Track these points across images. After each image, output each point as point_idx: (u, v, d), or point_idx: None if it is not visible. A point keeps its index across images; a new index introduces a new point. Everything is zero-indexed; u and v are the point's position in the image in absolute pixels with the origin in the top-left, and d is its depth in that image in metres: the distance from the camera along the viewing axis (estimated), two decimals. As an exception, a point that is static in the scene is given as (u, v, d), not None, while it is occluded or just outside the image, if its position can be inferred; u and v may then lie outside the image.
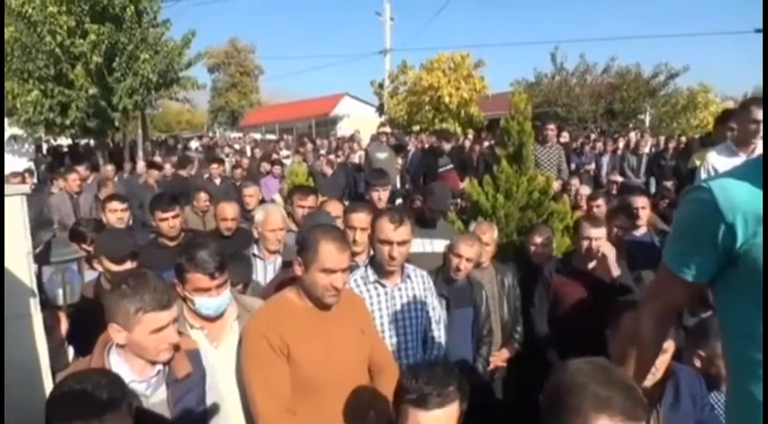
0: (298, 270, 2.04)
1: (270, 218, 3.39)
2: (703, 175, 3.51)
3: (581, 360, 1.24)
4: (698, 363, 2.26)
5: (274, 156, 10.89)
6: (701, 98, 19.49)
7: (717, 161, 3.42)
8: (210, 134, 26.58)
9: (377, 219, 2.55)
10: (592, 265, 3.27)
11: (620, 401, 1.13)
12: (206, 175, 8.08)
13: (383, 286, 2.58)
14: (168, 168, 8.94)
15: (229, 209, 4.12)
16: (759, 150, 3.22)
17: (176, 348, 1.82)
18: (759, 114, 3.13)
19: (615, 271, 3.14)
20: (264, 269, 3.41)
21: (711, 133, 5.54)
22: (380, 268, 2.55)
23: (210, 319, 2.14)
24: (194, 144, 18.03)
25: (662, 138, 11.24)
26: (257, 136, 22.69)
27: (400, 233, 2.46)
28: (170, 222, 3.59)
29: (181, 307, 2.05)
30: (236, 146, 16.46)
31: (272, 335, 1.95)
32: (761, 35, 1.08)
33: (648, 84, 18.01)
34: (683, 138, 10.99)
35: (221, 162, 8.59)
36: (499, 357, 3.43)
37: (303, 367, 1.97)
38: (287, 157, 11.60)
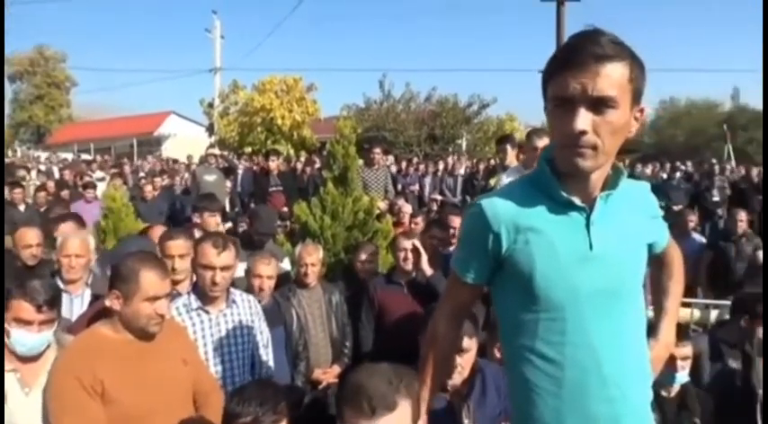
0: (115, 303, 1.93)
1: (66, 243, 3.09)
2: None
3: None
4: (498, 355, 2.56)
5: (86, 179, 9.89)
6: (507, 126, 22.01)
7: (506, 182, 3.95)
8: (11, 152, 23.26)
9: (199, 244, 2.50)
10: (411, 275, 3.52)
11: (373, 390, 1.32)
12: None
13: (207, 312, 2.52)
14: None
15: (31, 234, 3.68)
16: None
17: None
18: (539, 143, 3.68)
19: (428, 271, 3.42)
20: (71, 303, 3.10)
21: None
22: (203, 294, 2.49)
23: (25, 359, 1.93)
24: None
25: (475, 162, 12.50)
26: (68, 155, 20.41)
27: (223, 258, 2.44)
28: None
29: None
30: (42, 167, 14.63)
31: (84, 373, 1.83)
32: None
33: (464, 113, 19.88)
34: (492, 162, 12.33)
35: (20, 185, 7.59)
36: (331, 374, 3.51)
37: (121, 404, 1.86)
38: (101, 179, 10.61)
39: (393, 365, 1.46)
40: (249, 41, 75.11)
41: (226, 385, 2.47)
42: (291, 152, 18.02)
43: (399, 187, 9.64)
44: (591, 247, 1.30)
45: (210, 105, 21.89)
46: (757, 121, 31.67)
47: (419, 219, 5.72)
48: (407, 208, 5.94)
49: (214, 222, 4.25)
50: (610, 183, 1.34)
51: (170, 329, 2.13)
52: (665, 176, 10.35)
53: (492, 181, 4.57)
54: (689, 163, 12.38)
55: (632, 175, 9.06)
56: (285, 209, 6.57)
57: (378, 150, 6.45)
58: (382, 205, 5.91)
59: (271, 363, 2.83)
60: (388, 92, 19.81)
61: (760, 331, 3.02)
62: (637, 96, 1.25)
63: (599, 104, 1.20)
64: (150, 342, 1.99)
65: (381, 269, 3.99)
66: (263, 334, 2.76)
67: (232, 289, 2.64)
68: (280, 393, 1.70)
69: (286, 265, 4.05)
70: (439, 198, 8.32)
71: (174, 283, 2.69)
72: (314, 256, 3.51)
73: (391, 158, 11.92)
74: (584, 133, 1.20)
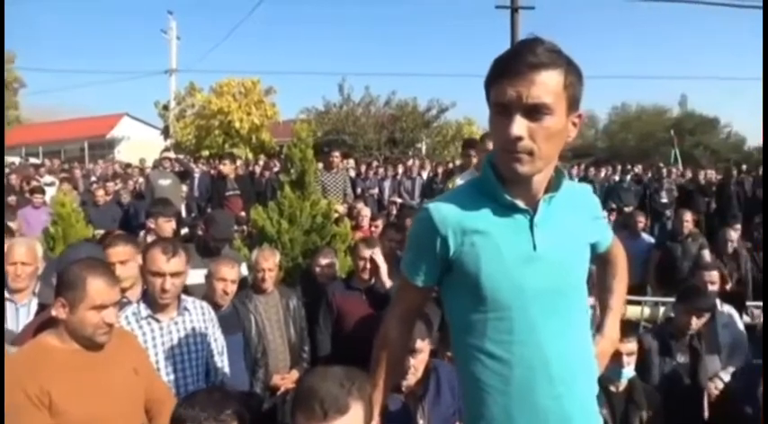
0: (61, 312, 1.87)
1: (12, 250, 2.97)
2: None
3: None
4: (450, 355, 2.60)
5: (34, 183, 9.51)
6: (466, 130, 22.31)
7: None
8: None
9: (147, 250, 2.44)
10: (370, 282, 3.54)
11: (325, 393, 1.35)
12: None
13: (157, 321, 2.46)
14: None
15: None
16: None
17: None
18: (491, 145, 3.76)
19: (387, 283, 3.45)
20: (17, 313, 2.98)
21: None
22: (154, 302, 2.43)
23: None
24: None
25: (434, 165, 12.62)
26: (15, 159, 19.57)
27: (173, 264, 2.39)
28: None
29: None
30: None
31: (30, 385, 1.76)
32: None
33: (424, 117, 20.07)
34: (451, 165, 12.48)
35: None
36: (289, 379, 3.48)
37: (70, 416, 1.80)
38: (50, 184, 10.22)
39: (345, 368, 1.47)
40: (206, 43, 73.49)
41: (179, 394, 2.40)
42: (250, 155, 17.80)
43: (359, 190, 9.66)
44: (534, 248, 1.34)
45: (166, 107, 21.40)
46: (703, 126, 33.21)
47: (378, 222, 5.75)
48: (366, 212, 5.96)
49: (169, 227, 4.16)
50: (552, 186, 1.38)
51: (120, 338, 2.07)
52: (616, 179, 10.68)
53: (450, 184, 4.63)
54: (639, 167, 12.80)
55: (586, 178, 9.34)
56: (243, 214, 6.49)
57: (336, 154, 6.45)
58: (341, 208, 5.91)
59: (226, 370, 2.79)
60: (347, 96, 19.82)
61: (695, 322, 3.17)
62: (573, 103, 1.29)
63: (534, 111, 1.24)
64: (99, 352, 1.94)
65: (340, 273, 3.99)
66: (217, 341, 2.72)
67: (184, 296, 2.59)
68: (228, 400, 1.68)
69: (243, 270, 4.00)
70: (398, 200, 8.37)
71: (121, 291, 2.62)
72: (271, 261, 3.48)
73: (351, 162, 11.91)
74: (519, 139, 1.24)
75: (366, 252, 3.47)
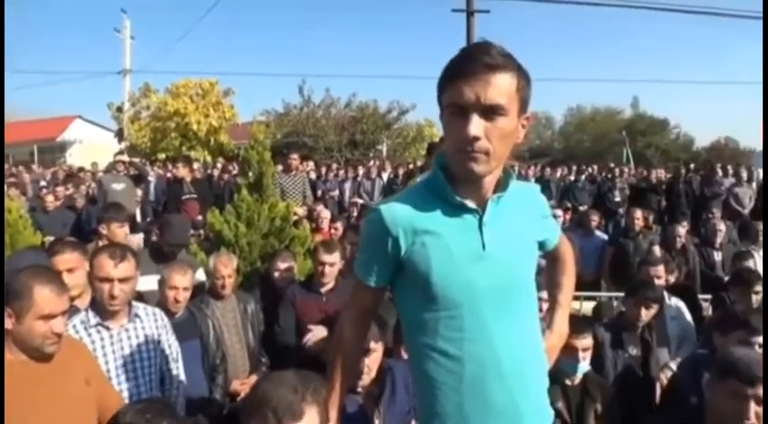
0: (7, 322, 1.80)
1: None
2: None
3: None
4: (405, 355, 2.61)
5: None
6: (426, 131, 22.47)
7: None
8: None
9: (95, 256, 2.36)
10: (329, 286, 3.53)
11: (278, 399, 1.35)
12: None
13: (107, 328, 2.38)
14: None
15: None
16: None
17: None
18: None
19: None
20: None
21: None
22: (102, 309, 2.36)
23: None
24: None
25: (395, 166, 12.67)
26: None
27: (121, 269, 2.32)
28: None
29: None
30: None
31: None
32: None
33: (384, 118, 20.16)
34: (411, 166, 12.56)
35: None
36: (248, 384, 3.43)
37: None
38: (-3, 190, 9.78)
39: (299, 372, 1.46)
40: (162, 43, 71.67)
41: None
42: (208, 158, 17.47)
43: (319, 192, 9.62)
44: (484, 247, 1.36)
45: (120, 109, 20.80)
46: (654, 127, 34.45)
47: (339, 224, 5.75)
48: (326, 214, 5.95)
49: (122, 233, 4.05)
50: (501, 186, 1.41)
51: (69, 348, 2.00)
52: (572, 179, 10.95)
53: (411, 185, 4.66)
54: (594, 167, 13.17)
55: (542, 178, 9.51)
56: (200, 218, 6.38)
57: (295, 156, 6.44)
58: (300, 211, 5.88)
59: (182, 377, 2.73)
60: (307, 98, 19.75)
61: (645, 314, 3.28)
62: (523, 105, 1.33)
63: (490, 112, 1.27)
64: (49, 363, 1.87)
65: (299, 276, 3.96)
66: (171, 348, 2.66)
67: (135, 303, 2.52)
68: (166, 408, 1.65)
69: (201, 276, 3.93)
70: (359, 202, 8.39)
71: (70, 300, 2.54)
72: (230, 267, 3.43)
73: (311, 164, 11.85)
74: (477, 139, 1.27)
75: (325, 257, 3.46)
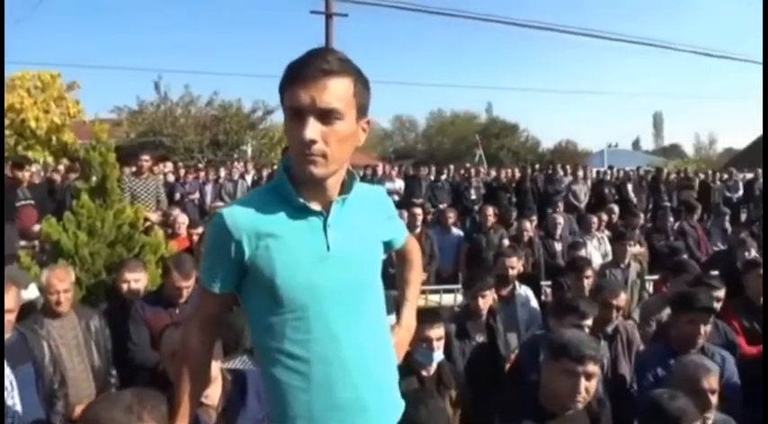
0: None
1: None
2: None
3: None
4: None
5: None
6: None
7: None
8: None
9: None
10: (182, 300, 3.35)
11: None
12: None
13: None
14: None
15: None
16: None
17: None
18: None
19: None
20: None
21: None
22: None
23: None
24: None
25: (259, 168, 12.40)
26: None
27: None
28: None
29: None
30: None
31: None
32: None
33: (249, 118, 19.61)
34: (276, 167, 12.37)
35: None
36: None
37: None
38: None
39: (137, 390, 1.38)
40: (-10, 29, 62.97)
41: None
42: (50, 159, 15.73)
43: (178, 196, 9.12)
44: (328, 248, 1.38)
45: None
46: (506, 131, 37.46)
47: (199, 229, 5.46)
48: (183, 218, 5.64)
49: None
50: (345, 188, 1.43)
51: None
52: (432, 178, 11.49)
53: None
54: (452, 167, 13.94)
55: (414, 176, 9.81)
56: (37, 227, 5.71)
57: (146, 157, 6.06)
58: (153, 216, 5.55)
59: (18, 407, 2.47)
60: (164, 95, 18.64)
61: (482, 302, 3.55)
62: (361, 110, 1.37)
63: (326, 116, 1.29)
64: None
65: (149, 286, 3.70)
66: (7, 378, 2.36)
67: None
68: None
69: (33, 292, 3.52)
70: (221, 204, 8.07)
71: None
72: (66, 281, 3.12)
73: (169, 165, 11.18)
74: (313, 142, 1.28)
75: (182, 283, 3.29)
